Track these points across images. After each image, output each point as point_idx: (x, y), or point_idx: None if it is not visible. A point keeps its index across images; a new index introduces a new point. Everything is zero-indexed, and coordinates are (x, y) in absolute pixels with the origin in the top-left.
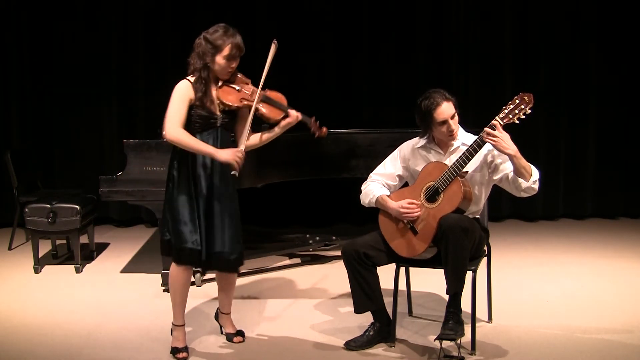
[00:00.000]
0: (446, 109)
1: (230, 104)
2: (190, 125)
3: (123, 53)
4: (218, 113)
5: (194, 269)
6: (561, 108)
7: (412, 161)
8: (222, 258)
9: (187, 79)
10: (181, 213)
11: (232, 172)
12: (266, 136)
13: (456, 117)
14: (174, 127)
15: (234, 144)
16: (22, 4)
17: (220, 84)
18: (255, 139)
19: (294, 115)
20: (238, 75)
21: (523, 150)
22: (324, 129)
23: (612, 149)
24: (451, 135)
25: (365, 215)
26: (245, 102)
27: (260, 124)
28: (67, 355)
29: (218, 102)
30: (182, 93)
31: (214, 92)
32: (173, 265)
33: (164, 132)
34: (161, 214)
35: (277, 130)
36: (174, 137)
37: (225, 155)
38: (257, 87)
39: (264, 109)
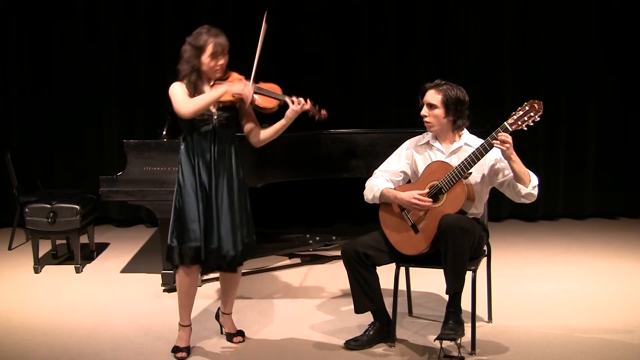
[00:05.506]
0: (427, 95)
1: (222, 99)
2: (187, 124)
3: (123, 53)
4: (214, 110)
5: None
6: (561, 108)
7: (415, 158)
8: (220, 256)
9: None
10: (187, 211)
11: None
12: (275, 129)
13: (436, 111)
14: (185, 104)
15: (232, 141)
16: (23, 4)
17: (212, 82)
18: (266, 134)
19: (300, 103)
20: (232, 73)
21: (523, 150)
22: (324, 112)
23: (612, 149)
24: (424, 120)
25: (365, 216)
26: (238, 96)
27: (264, 119)
28: (67, 355)
29: None
30: (179, 86)
31: (207, 91)
32: (179, 267)
33: (182, 113)
34: (161, 215)
35: (284, 122)
36: (190, 109)
37: (238, 87)
38: (250, 80)
39: (257, 100)
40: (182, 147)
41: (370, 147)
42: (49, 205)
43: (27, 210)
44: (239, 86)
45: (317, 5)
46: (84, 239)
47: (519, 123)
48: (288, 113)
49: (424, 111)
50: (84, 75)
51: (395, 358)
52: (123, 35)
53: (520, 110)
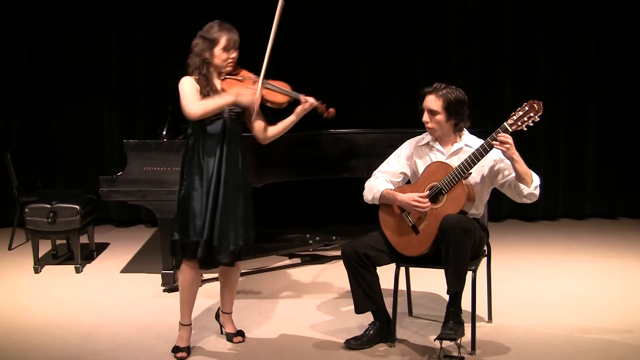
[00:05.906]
0: (427, 101)
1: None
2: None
3: (123, 52)
4: None
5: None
6: (561, 108)
7: (414, 159)
8: (220, 250)
9: (189, 76)
10: (191, 206)
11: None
12: (283, 125)
13: (438, 117)
14: (193, 104)
15: (239, 137)
16: (22, 3)
17: (223, 77)
18: (274, 130)
19: (309, 101)
20: (241, 69)
21: (523, 150)
22: (332, 110)
23: (612, 149)
24: (427, 126)
25: (365, 216)
26: (245, 106)
27: (271, 114)
28: (67, 355)
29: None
30: (190, 82)
31: (218, 85)
32: (182, 263)
33: (189, 114)
34: (161, 215)
35: (293, 118)
36: (198, 111)
37: (246, 98)
38: (259, 76)
39: (267, 95)
40: (191, 140)
41: (370, 147)
42: (49, 205)
43: (27, 210)
44: (247, 97)
45: (316, 4)
46: (84, 239)
47: (519, 123)
48: (297, 109)
49: (426, 117)
50: (84, 75)
51: (395, 358)
52: (123, 35)
53: (520, 110)
